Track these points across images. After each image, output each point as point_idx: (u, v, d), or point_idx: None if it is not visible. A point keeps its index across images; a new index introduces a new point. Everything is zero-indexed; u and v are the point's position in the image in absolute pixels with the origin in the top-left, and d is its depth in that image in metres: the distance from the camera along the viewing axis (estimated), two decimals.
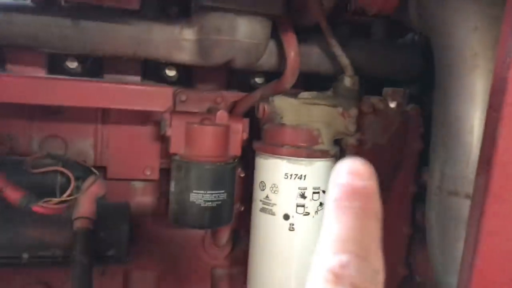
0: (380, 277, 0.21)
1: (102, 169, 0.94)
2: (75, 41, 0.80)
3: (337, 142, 0.92)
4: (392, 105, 0.90)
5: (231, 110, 0.97)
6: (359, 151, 0.90)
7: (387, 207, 0.95)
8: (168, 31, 0.83)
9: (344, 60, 0.89)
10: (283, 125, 0.86)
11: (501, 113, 0.51)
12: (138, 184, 1.01)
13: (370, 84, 0.96)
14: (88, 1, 0.74)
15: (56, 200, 0.82)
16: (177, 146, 0.87)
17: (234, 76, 1.00)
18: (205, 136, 0.87)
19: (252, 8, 0.77)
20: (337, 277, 0.20)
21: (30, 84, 0.81)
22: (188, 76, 0.97)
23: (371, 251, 0.21)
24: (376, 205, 0.22)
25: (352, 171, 0.22)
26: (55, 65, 0.88)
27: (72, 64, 0.88)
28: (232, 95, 0.98)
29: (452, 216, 0.70)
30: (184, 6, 0.88)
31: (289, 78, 0.87)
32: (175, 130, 0.86)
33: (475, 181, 0.55)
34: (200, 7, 0.79)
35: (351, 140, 0.90)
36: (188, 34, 0.83)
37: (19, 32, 0.78)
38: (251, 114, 0.93)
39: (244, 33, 0.80)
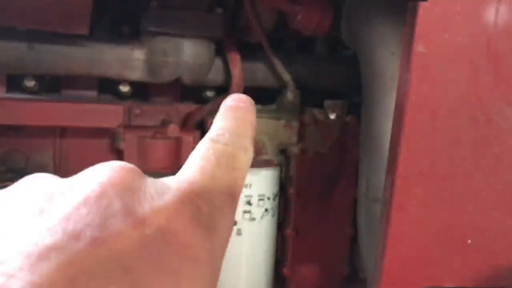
0: (249, 154, 0.28)
1: None
2: (31, 62, 0.85)
3: (282, 151, 0.98)
4: (332, 116, 0.98)
5: (185, 121, 1.03)
6: (302, 159, 0.97)
7: (331, 208, 1.02)
8: (119, 51, 0.88)
9: (286, 76, 0.96)
10: None
11: (400, 134, 0.58)
12: None
13: (316, 95, 1.03)
14: (40, 27, 0.79)
15: None
16: (130, 159, 0.92)
17: (187, 89, 1.06)
18: (157, 149, 0.92)
19: (194, 32, 0.84)
20: (213, 140, 0.27)
21: None
22: (143, 90, 1.02)
23: (245, 135, 0.28)
24: (253, 118, 0.30)
25: (237, 99, 0.31)
26: (13, 84, 0.93)
27: (30, 83, 0.92)
28: (185, 107, 1.04)
29: (376, 222, 0.77)
30: (136, 25, 0.94)
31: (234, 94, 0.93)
32: (127, 144, 0.92)
33: (383, 191, 0.62)
34: (147, 32, 0.85)
35: (295, 149, 0.97)
36: (138, 54, 0.88)
37: None
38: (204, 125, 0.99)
39: (189, 54, 0.86)
